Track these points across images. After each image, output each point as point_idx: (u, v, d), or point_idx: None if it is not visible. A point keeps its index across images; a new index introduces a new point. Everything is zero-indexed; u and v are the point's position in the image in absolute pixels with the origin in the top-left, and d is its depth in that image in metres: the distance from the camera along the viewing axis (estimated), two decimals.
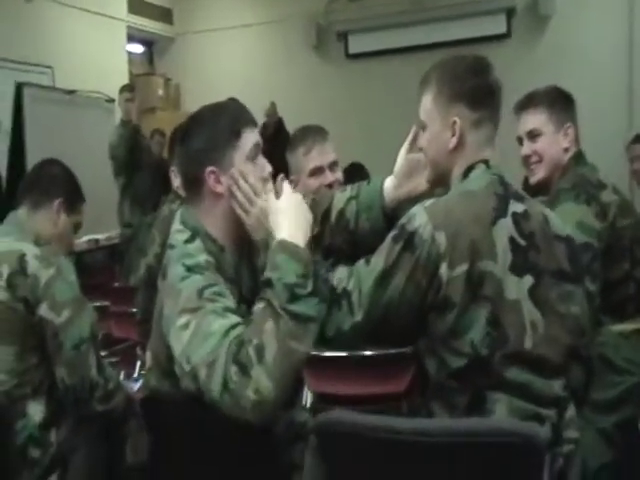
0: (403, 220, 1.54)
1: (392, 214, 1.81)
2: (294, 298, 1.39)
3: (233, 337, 1.39)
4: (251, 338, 1.36)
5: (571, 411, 1.59)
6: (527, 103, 2.36)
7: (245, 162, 1.65)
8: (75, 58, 6.91)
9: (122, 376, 2.49)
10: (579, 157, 2.34)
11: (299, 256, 1.45)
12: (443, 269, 1.46)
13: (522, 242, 1.53)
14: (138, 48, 8.75)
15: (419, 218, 1.51)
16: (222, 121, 1.66)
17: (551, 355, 1.53)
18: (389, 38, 7.73)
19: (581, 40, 6.96)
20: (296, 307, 1.39)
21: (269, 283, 1.42)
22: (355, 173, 3.28)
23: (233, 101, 1.80)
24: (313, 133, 2.46)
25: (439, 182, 1.72)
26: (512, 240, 1.52)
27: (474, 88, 1.60)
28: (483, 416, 1.48)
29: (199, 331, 1.42)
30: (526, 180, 2.54)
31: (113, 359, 2.89)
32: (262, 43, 8.41)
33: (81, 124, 6.46)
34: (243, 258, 1.73)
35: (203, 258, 1.59)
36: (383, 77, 7.58)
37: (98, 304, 3.17)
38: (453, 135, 1.60)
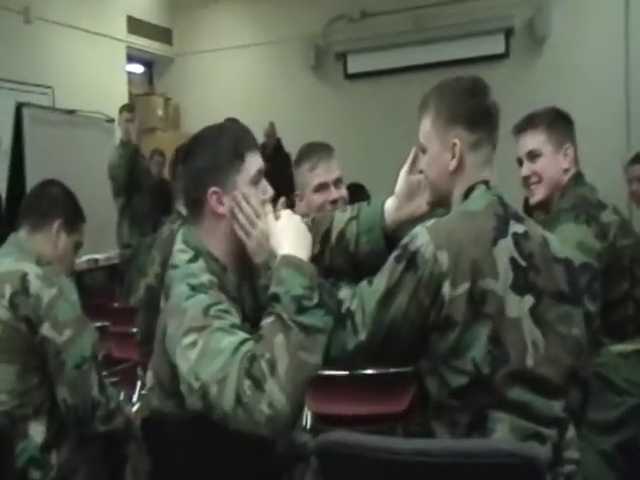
0: (405, 240, 1.56)
1: (393, 235, 1.81)
2: (302, 310, 1.41)
3: (243, 353, 1.39)
4: (263, 352, 1.37)
5: (571, 432, 1.59)
6: (526, 124, 2.37)
7: (248, 185, 1.66)
8: (75, 78, 6.96)
9: (122, 396, 2.47)
10: (578, 177, 2.35)
11: (303, 269, 1.47)
12: (446, 288, 1.48)
13: (522, 262, 1.55)
14: (138, 68, 8.81)
15: (421, 238, 1.52)
16: (225, 142, 1.67)
17: (552, 375, 1.54)
18: (388, 58, 7.78)
19: (578, 60, 7.01)
20: (305, 319, 1.41)
21: (276, 297, 1.43)
22: (355, 193, 3.28)
23: (235, 123, 1.81)
24: (318, 150, 2.48)
25: (439, 203, 1.74)
26: (513, 260, 1.53)
27: (472, 110, 1.62)
28: (484, 435, 1.48)
29: (207, 349, 1.42)
30: (526, 201, 2.54)
31: (113, 379, 2.88)
32: (261, 64, 8.47)
33: (81, 144, 6.48)
34: (245, 278, 1.73)
35: (206, 278, 1.60)
36: (382, 97, 7.62)
37: (98, 324, 3.17)
38: (453, 157, 1.62)
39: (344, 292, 1.60)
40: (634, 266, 2.28)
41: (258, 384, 1.34)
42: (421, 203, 1.82)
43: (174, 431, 1.59)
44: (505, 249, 1.54)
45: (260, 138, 6.83)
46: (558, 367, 1.55)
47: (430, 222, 1.57)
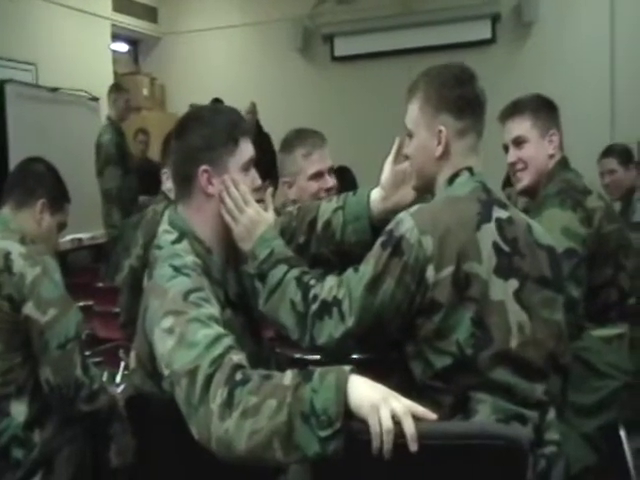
0: (390, 226, 1.58)
1: (379, 225, 1.81)
2: (313, 424, 1.24)
3: (219, 353, 1.37)
4: (256, 389, 1.29)
5: (552, 414, 1.61)
6: (512, 111, 2.38)
7: (239, 171, 1.66)
8: (59, 56, 6.86)
9: (105, 377, 2.47)
10: (564, 163, 2.36)
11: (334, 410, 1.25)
12: (430, 272, 1.50)
13: (506, 248, 1.57)
14: (123, 47, 8.71)
15: (406, 223, 1.54)
16: (221, 123, 1.67)
17: (535, 358, 1.56)
18: (375, 41, 7.75)
19: (564, 45, 7.03)
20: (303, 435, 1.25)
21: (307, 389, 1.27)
22: (341, 176, 3.28)
23: (230, 107, 1.81)
24: (313, 136, 2.46)
25: (425, 189, 1.76)
26: (496, 245, 1.56)
27: (459, 98, 1.64)
28: (467, 416, 1.50)
29: (183, 340, 1.41)
30: (505, 182, 2.55)
31: (97, 359, 2.87)
32: (248, 44, 8.41)
33: (65, 122, 6.42)
34: (230, 262, 1.73)
35: (190, 259, 1.60)
36: (369, 80, 7.60)
37: (82, 304, 3.15)
38: (439, 143, 1.64)
39: (330, 280, 1.61)
40: (618, 252, 2.30)
41: (229, 405, 1.29)
42: (407, 193, 1.83)
43: (158, 411, 1.58)
44: (488, 234, 1.56)
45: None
46: (541, 350, 1.57)
47: (414, 208, 1.60)
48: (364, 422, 1.22)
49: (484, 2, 7.28)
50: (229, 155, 1.65)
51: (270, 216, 1.73)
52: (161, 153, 3.12)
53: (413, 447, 1.19)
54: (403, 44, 7.56)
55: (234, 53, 8.48)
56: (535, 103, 2.38)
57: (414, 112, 1.69)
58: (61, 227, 2.35)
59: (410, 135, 1.71)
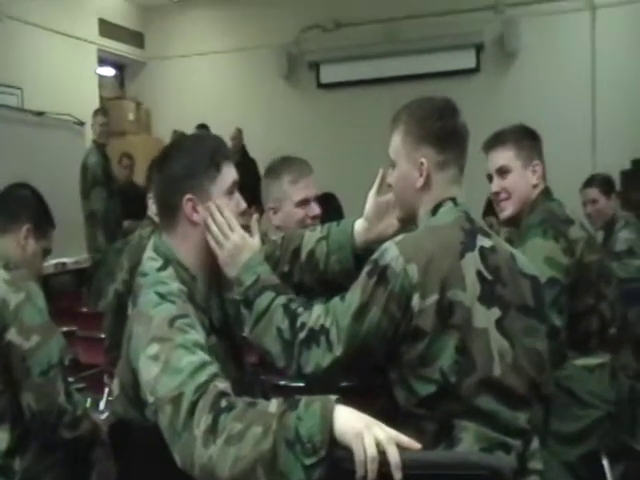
0: (375, 255, 1.59)
1: (363, 255, 1.82)
2: (298, 451, 1.23)
3: (204, 380, 1.37)
4: (240, 416, 1.29)
5: (535, 443, 1.62)
6: (495, 141, 2.41)
7: (222, 196, 1.67)
8: (45, 80, 6.88)
9: (88, 403, 2.45)
10: (547, 193, 2.39)
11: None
12: (415, 300, 1.51)
13: (489, 276, 1.59)
14: (109, 71, 8.74)
15: (391, 252, 1.56)
16: (202, 151, 1.67)
17: (517, 386, 1.57)
18: (360, 69, 7.83)
19: (546, 75, 7.15)
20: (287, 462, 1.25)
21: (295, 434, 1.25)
22: (326, 202, 3.28)
23: (211, 133, 1.82)
24: (300, 164, 2.46)
25: (408, 220, 1.77)
26: (479, 273, 1.57)
27: (441, 131, 1.66)
28: (451, 444, 1.50)
29: (167, 366, 1.41)
30: (487, 207, 2.56)
31: (80, 385, 2.84)
32: (234, 70, 8.46)
33: (50, 146, 6.42)
34: (213, 289, 1.73)
35: (176, 286, 1.60)
36: (354, 108, 7.67)
37: (65, 329, 3.13)
38: (420, 175, 1.66)
39: (317, 309, 1.61)
40: (599, 282, 2.32)
41: (214, 431, 1.29)
42: (390, 223, 1.84)
43: (141, 438, 1.57)
44: (472, 262, 1.58)
45: (228, 144, 6.83)
46: (523, 379, 1.58)
47: (399, 237, 1.61)
48: (349, 450, 1.22)
49: (468, 32, 7.39)
50: (211, 181, 1.65)
51: (256, 242, 1.73)
52: (146, 178, 3.13)
53: (397, 476, 1.19)
54: (388, 72, 7.65)
55: (220, 79, 8.53)
56: (518, 133, 2.41)
57: (396, 143, 1.71)
58: (46, 253, 2.34)
59: (393, 165, 1.73)
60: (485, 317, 1.55)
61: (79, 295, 5.50)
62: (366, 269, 1.59)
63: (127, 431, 1.63)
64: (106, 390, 2.70)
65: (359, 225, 1.86)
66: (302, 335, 1.58)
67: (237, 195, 1.71)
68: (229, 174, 1.68)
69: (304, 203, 2.40)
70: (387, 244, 1.59)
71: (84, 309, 4.01)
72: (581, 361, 2.27)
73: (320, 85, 8.14)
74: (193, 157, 1.65)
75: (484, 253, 1.60)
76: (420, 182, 1.66)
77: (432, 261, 1.53)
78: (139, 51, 8.80)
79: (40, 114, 6.47)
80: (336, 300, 1.60)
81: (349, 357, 1.54)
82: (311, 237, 1.89)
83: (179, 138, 1.77)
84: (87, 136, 6.55)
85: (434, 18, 7.39)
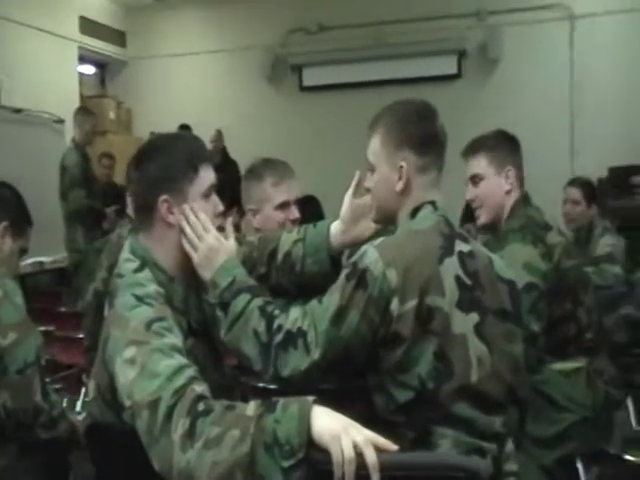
0: (354, 258, 1.57)
1: (339, 257, 1.84)
2: (276, 454, 1.24)
3: (181, 384, 1.36)
4: (218, 419, 1.29)
5: (510, 445, 1.63)
6: (470, 149, 2.44)
7: (199, 199, 1.66)
8: (24, 76, 6.80)
9: (65, 403, 2.42)
10: (525, 199, 2.41)
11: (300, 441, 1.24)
12: (394, 305, 1.50)
13: (467, 281, 1.58)
14: (90, 69, 8.68)
15: (370, 255, 1.54)
16: (180, 152, 1.65)
17: (494, 392, 1.57)
18: (343, 72, 7.83)
19: (527, 82, 7.22)
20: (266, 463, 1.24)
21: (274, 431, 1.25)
22: (307, 205, 3.27)
23: (190, 133, 1.81)
24: (283, 167, 2.45)
25: (385, 222, 1.77)
26: (458, 278, 1.57)
27: (420, 134, 1.66)
28: (429, 449, 1.50)
29: (144, 371, 1.40)
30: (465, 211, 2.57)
31: (57, 386, 2.82)
32: (216, 71, 8.43)
33: (29, 144, 6.36)
34: (192, 289, 1.73)
35: (153, 288, 1.59)
36: (336, 111, 7.67)
37: (43, 328, 3.10)
38: (400, 179, 1.65)
39: (294, 311, 1.59)
40: (577, 287, 2.34)
41: (191, 436, 1.28)
42: (366, 227, 1.84)
43: (117, 440, 1.56)
44: (451, 267, 1.57)
45: (209, 146, 6.83)
46: (500, 384, 1.59)
47: (378, 240, 1.60)
48: (327, 452, 1.22)
49: (451, 38, 7.43)
50: (189, 184, 1.64)
51: (231, 244, 1.71)
52: (126, 176, 3.11)
53: (375, 477, 1.20)
54: (371, 76, 7.67)
55: (202, 79, 8.49)
56: (494, 140, 2.43)
57: (376, 146, 1.70)
58: (22, 253, 2.32)
59: (372, 169, 1.72)
60: (463, 323, 1.54)
61: (57, 295, 5.45)
62: (345, 272, 1.58)
63: (104, 433, 1.62)
64: (83, 390, 2.67)
65: (335, 227, 1.86)
66: (279, 338, 1.56)
67: (214, 197, 1.70)
68: (207, 176, 1.67)
69: (284, 206, 2.40)
70: (366, 247, 1.58)
71: (62, 309, 3.98)
72: (558, 366, 2.29)
73: (303, 88, 8.14)
74: (170, 158, 1.64)
75: (463, 258, 1.60)
76: (400, 186, 1.65)
77: (411, 266, 1.52)
78: (121, 50, 8.74)
79: (19, 111, 6.41)
80: (314, 303, 1.58)
81: (327, 361, 1.53)
82: (287, 239, 1.89)
83: (157, 137, 1.75)
84: (67, 134, 6.49)
85: (417, 23, 7.43)
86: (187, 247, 1.65)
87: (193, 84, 8.50)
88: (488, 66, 7.44)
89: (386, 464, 1.22)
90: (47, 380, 2.21)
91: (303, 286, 1.89)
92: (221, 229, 1.71)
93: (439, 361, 1.50)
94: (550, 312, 2.25)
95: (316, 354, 1.52)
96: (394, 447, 1.24)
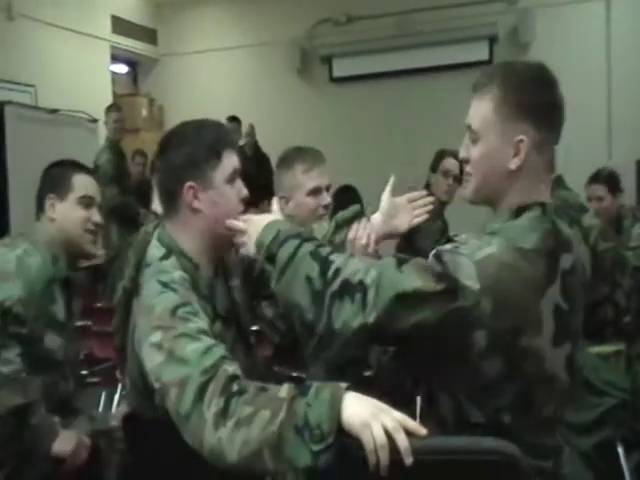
0: (447, 257, 1.37)
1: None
2: (306, 437, 1.24)
3: (211, 364, 1.38)
4: (251, 400, 1.30)
5: (565, 452, 1.54)
6: None
7: (224, 184, 1.67)
8: (58, 77, 6.91)
9: (103, 397, 2.45)
10: (560, 181, 2.38)
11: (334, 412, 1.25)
12: (479, 336, 1.34)
13: (565, 306, 1.41)
14: (122, 68, 8.77)
15: (467, 270, 1.34)
16: (203, 138, 1.68)
17: (565, 414, 1.52)
18: (373, 62, 7.80)
19: (560, 66, 6.99)
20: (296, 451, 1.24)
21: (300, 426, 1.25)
22: (345, 195, 3.28)
23: (214, 120, 1.82)
24: (313, 154, 2.45)
25: (483, 204, 1.54)
26: (557, 308, 1.40)
27: (544, 104, 1.45)
28: None
29: (171, 356, 1.42)
30: None
31: (94, 379, 2.85)
32: (246, 66, 8.46)
33: (63, 143, 6.40)
34: (218, 276, 1.74)
35: (178, 274, 1.61)
36: (367, 101, 7.64)
37: (80, 323, 3.15)
38: (515, 155, 1.43)
39: (355, 261, 1.43)
40: (614, 270, 2.31)
41: (225, 414, 1.30)
42: (402, 222, 1.88)
43: (153, 428, 1.58)
44: (552, 297, 1.39)
45: (243, 140, 6.88)
46: (569, 403, 1.53)
47: (479, 254, 1.35)
48: (357, 439, 1.22)
49: (481, 24, 7.35)
50: (213, 170, 1.66)
51: (275, 213, 1.72)
52: (151, 168, 3.14)
53: (408, 460, 1.19)
54: (401, 65, 7.63)
55: (232, 74, 8.53)
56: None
57: (486, 112, 1.45)
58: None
59: (475, 138, 1.48)
60: (556, 360, 1.41)
61: (94, 290, 5.52)
62: (436, 269, 1.36)
63: (140, 423, 1.65)
64: (119, 385, 2.70)
65: (375, 218, 1.90)
66: (335, 285, 1.38)
67: (239, 182, 1.72)
68: (230, 162, 1.69)
69: (316, 192, 2.40)
70: (464, 259, 1.35)
71: (99, 304, 4.03)
72: (596, 349, 2.26)
73: (333, 79, 8.12)
74: (194, 145, 1.66)
75: (565, 278, 1.41)
76: (515, 163, 1.42)
77: (509, 301, 1.33)
78: (152, 48, 8.81)
79: (54, 111, 6.48)
80: (390, 261, 1.39)
81: (379, 328, 1.35)
82: (320, 231, 1.94)
83: (180, 125, 1.77)
84: (100, 133, 6.57)
85: (447, 10, 7.35)
86: (237, 240, 1.65)
87: (224, 79, 8.54)
88: (520, 50, 7.31)
89: (420, 448, 1.21)
90: (84, 373, 2.21)
91: None
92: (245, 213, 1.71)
93: (521, 400, 1.39)
94: (588, 296, 2.21)
95: (371, 317, 1.34)
96: (423, 431, 1.23)
